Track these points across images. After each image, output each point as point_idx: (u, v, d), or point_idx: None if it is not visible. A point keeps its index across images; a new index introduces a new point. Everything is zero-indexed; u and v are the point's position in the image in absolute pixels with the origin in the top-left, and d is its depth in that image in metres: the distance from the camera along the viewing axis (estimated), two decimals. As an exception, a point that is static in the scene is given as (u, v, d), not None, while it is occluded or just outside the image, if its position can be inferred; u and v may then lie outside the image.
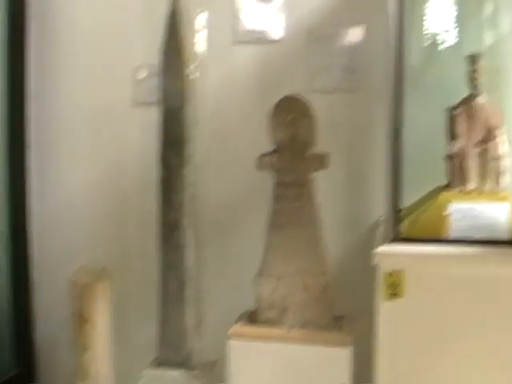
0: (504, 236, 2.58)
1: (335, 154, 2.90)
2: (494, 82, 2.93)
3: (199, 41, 3.18)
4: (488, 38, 3.10)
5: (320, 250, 2.85)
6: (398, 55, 2.59)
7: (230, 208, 3.33)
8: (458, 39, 3.08)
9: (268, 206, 2.85)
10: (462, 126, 2.73)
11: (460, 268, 2.51)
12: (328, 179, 2.88)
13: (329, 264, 2.88)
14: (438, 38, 3.10)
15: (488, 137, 2.74)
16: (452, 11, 3.09)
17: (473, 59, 2.77)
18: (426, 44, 3.05)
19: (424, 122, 2.86)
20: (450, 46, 3.07)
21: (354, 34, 3.15)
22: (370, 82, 3.09)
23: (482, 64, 2.76)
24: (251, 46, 3.27)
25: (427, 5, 3.09)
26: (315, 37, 3.18)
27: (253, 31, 3.26)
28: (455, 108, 2.76)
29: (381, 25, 2.62)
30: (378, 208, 2.73)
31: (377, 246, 2.58)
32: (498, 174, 2.72)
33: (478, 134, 2.75)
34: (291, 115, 2.79)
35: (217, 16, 3.24)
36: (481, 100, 2.77)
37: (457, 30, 3.08)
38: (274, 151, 2.84)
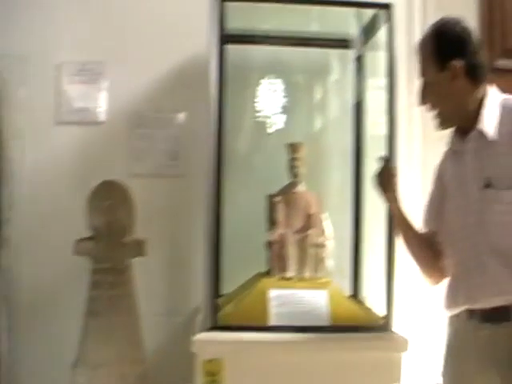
0: (324, 322, 2.58)
1: (155, 240, 2.88)
2: (315, 170, 3.01)
3: (19, 120, 3.10)
4: (310, 127, 3.21)
5: (138, 337, 2.77)
6: (219, 141, 2.58)
7: (48, 294, 3.15)
8: (281, 127, 3.17)
9: (86, 293, 2.75)
10: (281, 214, 2.77)
11: (280, 355, 2.50)
12: (147, 265, 2.84)
13: (148, 352, 2.81)
14: (261, 125, 3.18)
15: (308, 224, 2.79)
16: (276, 100, 3.17)
17: (293, 148, 2.84)
18: (249, 130, 3.12)
19: (245, 209, 2.91)
20: (273, 134, 3.15)
21: (177, 120, 3.17)
22: (191, 167, 3.10)
23: (302, 152, 2.83)
24: (73, 127, 3.20)
25: (252, 91, 3.18)
26: (138, 121, 3.18)
27: (75, 112, 3.20)
28: (275, 195, 2.80)
29: (203, 111, 2.63)
30: (198, 295, 2.69)
31: (196, 333, 2.53)
32: (317, 261, 2.76)
33: (298, 222, 2.80)
34: (109, 201, 2.73)
35: (39, 95, 3.18)
36: (301, 188, 2.83)
37: (281, 117, 3.17)
38: (91, 237, 2.76)
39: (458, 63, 2.19)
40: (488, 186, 2.13)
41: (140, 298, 2.79)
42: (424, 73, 2.29)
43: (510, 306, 2.10)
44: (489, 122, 2.17)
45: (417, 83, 2.34)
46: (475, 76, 2.22)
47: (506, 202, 2.10)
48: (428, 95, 2.28)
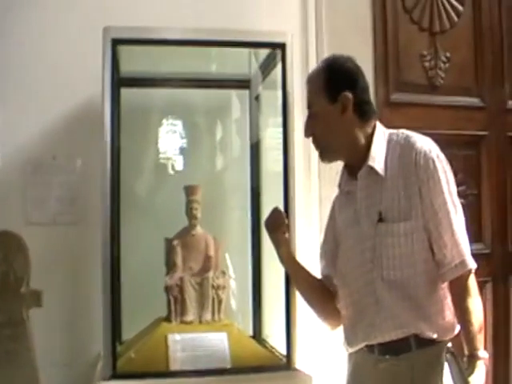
0: (226, 364, 2.57)
1: (54, 290, 2.82)
2: (216, 211, 3.03)
3: None
4: (211, 168, 3.23)
5: (37, 391, 2.69)
6: (115, 186, 2.58)
7: None
8: (181, 169, 3.19)
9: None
10: (179, 257, 2.76)
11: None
12: (46, 316, 2.75)
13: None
14: (162, 167, 3.18)
15: (207, 266, 2.79)
16: (176, 142, 3.18)
17: (190, 190, 2.84)
18: (150, 173, 3.12)
19: (145, 253, 2.89)
20: (173, 176, 3.15)
21: (74, 166, 3.10)
22: (89, 214, 3.02)
23: (199, 195, 2.84)
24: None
25: (152, 134, 3.19)
26: (34, 168, 3.08)
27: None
28: (173, 239, 2.79)
29: (100, 156, 2.60)
30: (100, 343, 2.64)
31: (96, 382, 2.47)
32: (217, 303, 2.75)
33: (197, 264, 2.79)
34: (3, 252, 2.66)
35: None
36: (199, 230, 2.83)
37: (181, 159, 3.17)
38: (-15, 289, 2.69)
39: (348, 95, 2.24)
40: (380, 220, 2.18)
41: (39, 349, 2.71)
42: (313, 103, 2.32)
43: (410, 337, 2.15)
44: (377, 157, 2.22)
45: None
46: (364, 112, 2.27)
47: (398, 234, 2.15)
48: (316, 126, 2.31)
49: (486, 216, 3.74)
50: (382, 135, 2.27)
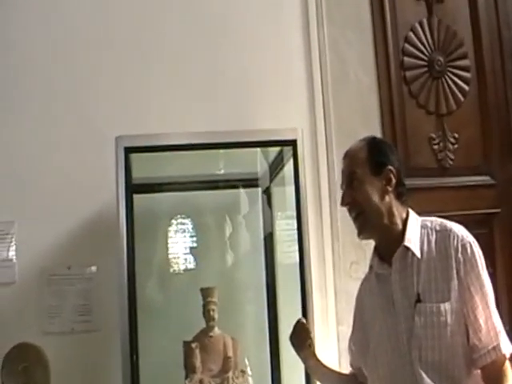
0: None
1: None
2: (229, 311, 3.02)
3: None
4: (224, 266, 3.26)
5: None
6: (131, 292, 2.61)
7: None
8: (194, 269, 3.22)
9: None
10: (198, 359, 2.75)
11: None
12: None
13: None
14: (175, 269, 3.21)
15: (226, 367, 2.79)
16: (188, 242, 3.23)
17: (207, 292, 2.86)
18: (163, 276, 3.15)
19: (162, 357, 2.88)
20: (187, 277, 3.19)
21: (88, 274, 3.10)
22: (105, 321, 3.01)
23: (216, 296, 2.85)
24: (-16, 290, 3.10)
25: (164, 236, 3.23)
26: (49, 278, 3.08)
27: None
28: (191, 341, 2.80)
29: (113, 262, 2.65)
30: None
31: None
32: (241, 403, 2.75)
33: (216, 365, 2.79)
34: (23, 364, 2.67)
35: None
36: (217, 331, 2.84)
37: (194, 260, 3.20)
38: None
39: (392, 169, 2.25)
40: (418, 301, 2.16)
41: None
42: (355, 175, 2.28)
43: None
44: (413, 240, 2.22)
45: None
46: (400, 192, 2.28)
47: (438, 315, 2.13)
48: (358, 196, 2.27)
49: (503, 294, 3.64)
50: (415, 220, 2.28)
